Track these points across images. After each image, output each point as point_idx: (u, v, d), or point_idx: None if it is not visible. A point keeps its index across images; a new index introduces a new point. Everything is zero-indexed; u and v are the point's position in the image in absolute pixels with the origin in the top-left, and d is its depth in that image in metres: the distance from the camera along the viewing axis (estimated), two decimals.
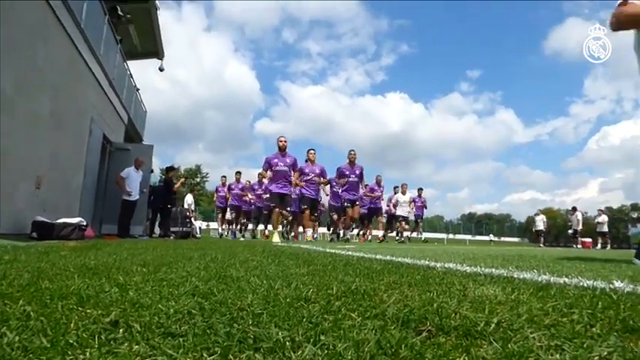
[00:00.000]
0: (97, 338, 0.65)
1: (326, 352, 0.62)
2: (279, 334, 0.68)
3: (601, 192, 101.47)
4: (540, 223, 16.58)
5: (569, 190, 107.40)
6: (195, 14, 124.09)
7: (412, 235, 13.22)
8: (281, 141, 7.85)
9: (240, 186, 11.71)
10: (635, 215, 53.99)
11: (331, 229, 10.61)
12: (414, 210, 12.42)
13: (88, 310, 0.83)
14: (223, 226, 12.69)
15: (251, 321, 0.78)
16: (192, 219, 11.94)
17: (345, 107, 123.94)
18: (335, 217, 9.83)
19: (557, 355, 0.62)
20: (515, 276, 1.68)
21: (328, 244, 6.64)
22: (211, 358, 0.59)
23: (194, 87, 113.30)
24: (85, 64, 7.87)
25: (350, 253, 3.44)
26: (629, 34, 3.00)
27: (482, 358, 0.62)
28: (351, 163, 9.03)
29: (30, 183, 6.06)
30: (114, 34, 9.87)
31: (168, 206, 9.72)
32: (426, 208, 13.42)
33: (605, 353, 0.63)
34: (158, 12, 12.53)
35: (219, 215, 12.69)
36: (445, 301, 1.01)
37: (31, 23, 5.70)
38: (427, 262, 2.41)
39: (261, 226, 12.20)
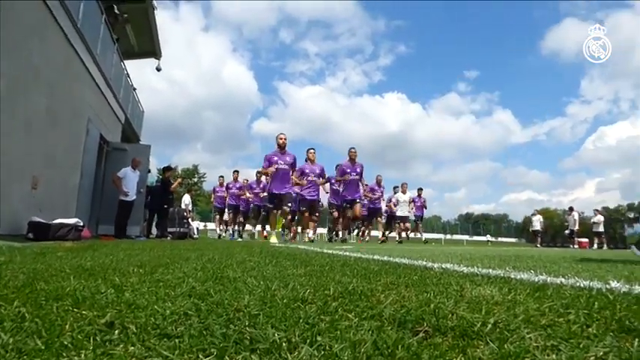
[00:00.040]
0: (92, 340, 0.65)
1: (322, 353, 0.61)
2: (276, 335, 0.68)
3: (598, 192, 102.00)
4: (537, 223, 16.64)
5: (566, 190, 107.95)
6: (192, 14, 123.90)
7: (412, 236, 13.14)
8: (281, 138, 7.70)
9: (237, 185, 11.68)
10: (631, 215, 54.27)
11: (331, 229, 10.50)
12: (413, 210, 12.37)
13: (84, 312, 0.83)
14: (221, 227, 12.65)
15: (247, 322, 0.77)
16: (190, 219, 11.90)
17: (343, 107, 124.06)
18: (335, 214, 9.68)
19: (554, 356, 0.62)
20: (512, 276, 1.68)
21: (326, 245, 6.64)
22: (207, 359, 0.59)
23: (192, 87, 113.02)
24: (82, 63, 7.84)
25: (347, 253, 3.44)
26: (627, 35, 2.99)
27: (478, 358, 0.62)
28: (352, 160, 8.92)
29: (26, 183, 6.03)
30: (111, 33, 9.84)
31: (165, 207, 9.68)
32: (425, 208, 13.26)
33: (601, 353, 0.63)
34: (155, 12, 12.50)
35: (217, 216, 12.64)
36: (442, 302, 1.01)
37: (27, 22, 5.68)
38: (424, 263, 2.42)
39: (259, 227, 12.09)
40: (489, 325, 0.78)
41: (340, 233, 9.64)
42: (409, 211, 12.03)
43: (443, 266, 2.19)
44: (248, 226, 12.50)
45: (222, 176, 12.48)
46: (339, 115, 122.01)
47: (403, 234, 12.20)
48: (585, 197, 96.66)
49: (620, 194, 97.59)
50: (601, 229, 15.59)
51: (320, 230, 15.37)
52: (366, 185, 10.43)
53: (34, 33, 5.88)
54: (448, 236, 42.87)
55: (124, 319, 0.77)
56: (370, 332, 0.72)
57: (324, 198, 9.74)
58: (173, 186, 10.11)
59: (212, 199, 12.71)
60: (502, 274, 1.76)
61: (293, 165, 7.78)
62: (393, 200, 12.03)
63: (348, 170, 8.81)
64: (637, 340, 0.69)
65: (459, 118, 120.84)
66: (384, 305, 0.96)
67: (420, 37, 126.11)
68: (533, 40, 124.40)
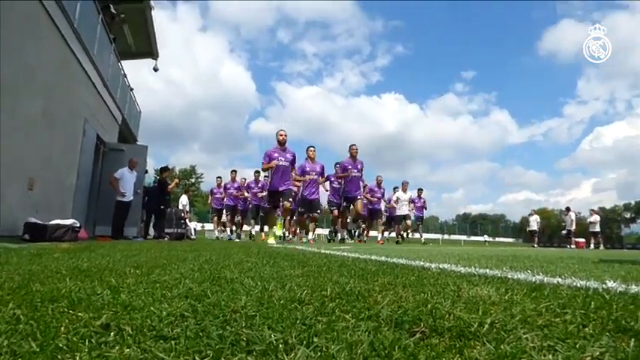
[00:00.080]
0: (87, 342, 0.64)
1: (319, 354, 0.61)
2: (272, 336, 0.68)
3: (594, 192, 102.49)
4: (534, 223, 16.68)
5: (563, 190, 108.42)
6: (190, 14, 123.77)
7: (411, 236, 13.07)
8: (281, 135, 7.48)
9: (235, 185, 11.60)
10: (628, 215, 54.55)
11: (331, 231, 10.38)
12: (413, 211, 12.29)
13: (79, 314, 0.82)
14: (220, 228, 12.61)
15: (244, 323, 0.77)
16: (187, 220, 11.86)
17: (341, 108, 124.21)
18: (335, 212, 9.50)
19: (550, 356, 0.62)
20: (509, 276, 1.69)
21: (324, 245, 6.64)
22: None
23: (189, 87, 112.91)
24: (79, 63, 7.81)
25: (345, 254, 3.44)
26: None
27: (475, 359, 0.62)
28: (353, 157, 8.77)
29: (22, 184, 6.00)
30: (108, 33, 9.81)
31: (162, 207, 9.64)
32: (425, 209, 13.18)
33: (598, 353, 0.63)
34: (152, 12, 12.48)
35: (215, 217, 12.59)
36: (439, 302, 1.01)
37: (24, 23, 5.65)
38: (422, 263, 2.42)
39: (257, 227, 11.92)
40: (486, 326, 0.78)
41: (339, 234, 9.58)
42: (410, 210, 11.96)
43: (440, 266, 2.20)
44: (246, 227, 12.40)
45: (219, 177, 12.44)
46: (337, 115, 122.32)
47: (404, 233, 12.14)
48: (582, 197, 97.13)
49: (617, 194, 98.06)
50: (597, 229, 15.63)
51: (318, 231, 15.33)
52: (366, 185, 10.36)
53: (29, 33, 5.85)
54: (446, 236, 42.98)
55: (120, 321, 0.76)
56: (367, 333, 0.72)
57: (324, 197, 9.62)
58: (170, 186, 10.07)
59: (209, 201, 12.63)
60: (499, 274, 1.76)
61: (293, 162, 7.61)
62: (394, 198, 11.95)
63: (350, 167, 8.66)
64: (633, 340, 0.70)
65: (457, 118, 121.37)
66: (381, 306, 0.96)
67: (418, 38, 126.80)
68: (531, 40, 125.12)
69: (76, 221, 6.03)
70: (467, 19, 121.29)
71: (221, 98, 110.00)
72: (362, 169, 8.94)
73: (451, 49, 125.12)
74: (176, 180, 11.85)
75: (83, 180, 8.72)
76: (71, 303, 0.93)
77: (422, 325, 0.78)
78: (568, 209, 16.60)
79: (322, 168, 8.66)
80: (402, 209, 11.76)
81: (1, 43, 5.01)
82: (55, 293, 1.05)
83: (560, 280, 1.60)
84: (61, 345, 0.62)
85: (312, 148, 8.63)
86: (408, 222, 12.03)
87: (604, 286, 1.40)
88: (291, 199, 7.72)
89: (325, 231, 17.07)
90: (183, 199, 12.96)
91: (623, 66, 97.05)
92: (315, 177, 8.50)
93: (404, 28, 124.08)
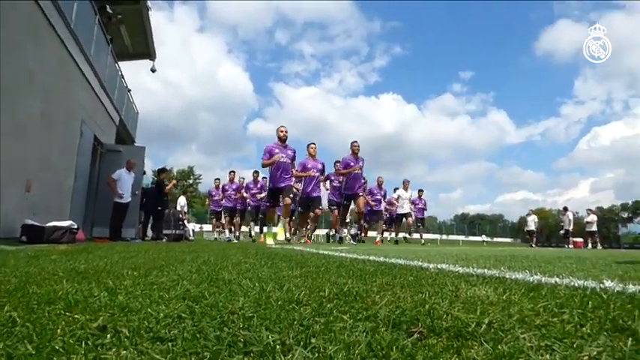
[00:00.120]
0: (83, 344, 0.64)
1: (316, 355, 0.61)
2: (270, 337, 0.68)
3: (592, 192, 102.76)
4: (532, 223, 16.71)
5: (561, 190, 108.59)
6: (187, 15, 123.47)
7: (412, 236, 13.06)
8: (281, 131, 7.28)
9: (234, 186, 11.51)
10: (625, 215, 54.74)
11: (333, 234, 10.29)
12: (415, 212, 12.25)
13: (76, 316, 0.82)
14: (218, 229, 12.58)
15: (242, 324, 0.77)
16: (185, 221, 11.84)
17: (339, 108, 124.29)
18: (336, 212, 9.40)
19: (547, 356, 0.62)
20: (507, 276, 1.69)
21: (322, 246, 6.64)
22: None
23: (187, 88, 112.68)
24: (76, 64, 7.79)
25: (343, 254, 3.44)
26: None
27: (472, 359, 0.62)
28: (355, 154, 8.64)
29: (20, 185, 5.98)
30: (105, 34, 9.79)
31: (160, 208, 9.62)
32: (426, 210, 13.18)
33: (595, 353, 0.63)
34: (150, 12, 12.46)
35: (214, 220, 12.54)
36: (437, 302, 1.01)
37: (20, 24, 5.64)
38: (420, 263, 2.42)
39: (257, 228, 11.76)
40: (484, 326, 0.78)
41: (338, 234, 9.54)
42: (411, 209, 11.92)
43: (438, 267, 2.20)
44: (244, 228, 12.34)
45: (218, 179, 12.37)
46: (335, 116, 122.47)
47: (406, 234, 12.09)
48: (580, 197, 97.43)
49: (614, 194, 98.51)
50: (594, 228, 15.68)
51: (317, 231, 15.29)
52: (366, 182, 10.23)
53: (27, 34, 5.84)
54: (444, 236, 43.00)
55: (117, 323, 0.76)
56: (365, 333, 0.72)
57: (324, 196, 9.46)
58: (168, 187, 10.04)
59: (207, 203, 12.56)
60: (497, 274, 1.76)
61: (293, 159, 7.44)
62: (395, 196, 11.89)
63: (352, 164, 8.55)
64: (630, 339, 0.70)
65: (455, 118, 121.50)
66: (379, 306, 0.96)
67: (416, 39, 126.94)
68: (528, 40, 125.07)
69: (74, 223, 6.01)
70: (464, 20, 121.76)
71: (219, 99, 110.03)
72: (363, 167, 8.88)
73: (449, 49, 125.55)
74: (174, 181, 11.77)
75: (81, 181, 8.70)
76: (68, 305, 0.93)
77: (420, 326, 0.78)
78: (566, 209, 16.64)
79: (323, 166, 8.57)
80: (404, 207, 11.70)
81: (1, 44, 5.00)
82: (51, 295, 1.04)
83: (557, 279, 1.60)
84: (57, 347, 0.62)
85: (313, 145, 8.45)
86: (410, 220, 11.98)
87: (601, 285, 1.40)
88: (292, 195, 7.53)
89: (324, 231, 17.06)
90: (182, 201, 12.94)
91: (620, 66, 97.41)
92: (317, 174, 8.43)
93: (402, 29, 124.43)
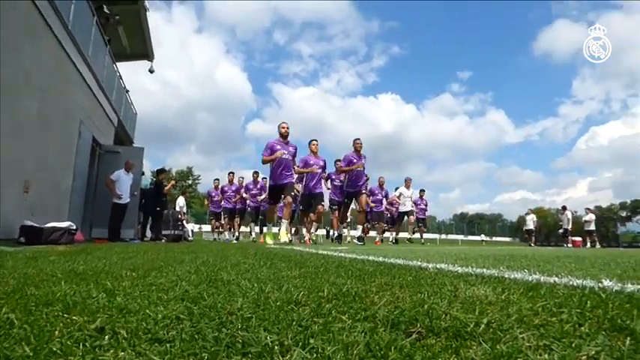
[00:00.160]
0: (81, 345, 0.64)
1: (315, 355, 0.61)
2: (268, 338, 0.67)
3: (590, 191, 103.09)
4: (530, 222, 16.73)
5: (560, 189, 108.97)
6: (185, 15, 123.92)
7: (412, 237, 13.01)
8: (283, 127, 7.08)
9: (233, 187, 11.47)
10: (624, 214, 54.84)
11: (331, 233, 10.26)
12: (417, 212, 12.21)
13: (74, 317, 0.82)
14: (217, 230, 12.55)
15: (240, 325, 0.77)
16: (184, 222, 11.81)
17: (337, 108, 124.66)
18: (336, 213, 9.33)
19: (546, 355, 0.62)
20: (506, 276, 1.69)
21: (321, 246, 6.63)
22: None
23: (185, 89, 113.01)
24: (73, 65, 7.77)
25: (343, 254, 3.44)
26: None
27: (471, 359, 0.62)
28: (357, 151, 8.47)
29: (18, 186, 5.96)
30: (102, 35, 9.77)
31: (159, 209, 9.61)
32: (427, 210, 13.14)
33: (593, 352, 0.63)
34: (147, 13, 12.43)
35: (213, 221, 12.51)
36: (436, 302, 1.01)
37: (18, 24, 5.62)
38: (419, 263, 2.42)
39: (257, 228, 11.69)
40: (482, 326, 0.78)
41: (336, 232, 9.50)
42: (412, 207, 11.87)
43: (437, 266, 2.20)
44: (244, 228, 12.29)
45: (217, 179, 12.36)
46: (333, 116, 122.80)
47: (408, 234, 12.07)
48: (578, 196, 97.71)
49: (613, 193, 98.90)
50: (592, 227, 15.70)
51: (317, 231, 15.22)
52: (368, 179, 10.16)
53: (24, 35, 5.82)
54: (443, 236, 43.04)
55: (115, 324, 0.76)
56: (363, 334, 0.72)
57: (325, 195, 9.31)
58: (166, 188, 10.02)
59: (206, 203, 12.53)
60: (496, 274, 1.76)
61: (295, 156, 7.31)
62: (396, 194, 11.82)
63: (355, 161, 8.40)
64: (629, 338, 0.70)
65: (453, 118, 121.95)
66: (378, 306, 0.96)
67: (414, 39, 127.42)
68: (526, 41, 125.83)
69: (73, 224, 6.00)
70: (463, 20, 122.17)
71: (217, 99, 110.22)
72: (365, 165, 8.82)
73: (447, 49, 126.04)
74: (173, 182, 11.74)
75: (79, 182, 8.68)
76: (66, 306, 0.93)
77: (418, 326, 0.78)
78: (564, 208, 16.66)
79: (325, 163, 8.49)
80: (405, 205, 11.66)
81: (1, 44, 4.99)
82: (49, 297, 1.04)
83: (556, 279, 1.61)
84: (54, 349, 0.62)
85: (314, 142, 8.32)
86: (412, 218, 11.94)
87: (600, 285, 1.40)
88: (293, 194, 7.39)
89: (324, 231, 17.04)
90: (180, 201, 12.92)
91: (618, 66, 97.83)
92: (319, 170, 8.36)
93: (400, 29, 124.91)
